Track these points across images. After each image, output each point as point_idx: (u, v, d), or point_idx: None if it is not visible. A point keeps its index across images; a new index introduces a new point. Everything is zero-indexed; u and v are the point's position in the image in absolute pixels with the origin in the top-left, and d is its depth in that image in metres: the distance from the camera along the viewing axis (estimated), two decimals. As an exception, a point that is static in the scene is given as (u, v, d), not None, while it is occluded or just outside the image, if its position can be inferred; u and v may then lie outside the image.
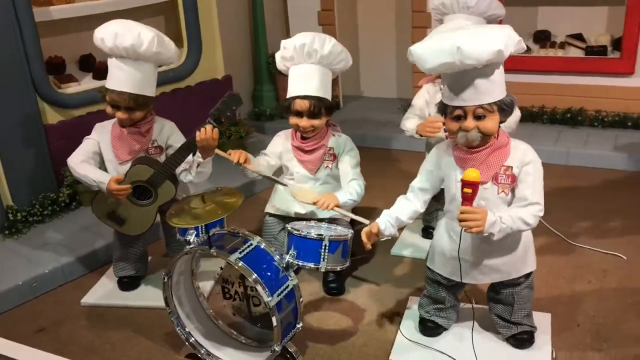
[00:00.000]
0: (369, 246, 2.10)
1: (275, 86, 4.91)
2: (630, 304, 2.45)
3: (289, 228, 2.15)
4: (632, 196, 3.36)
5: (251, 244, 2.11)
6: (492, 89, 1.86)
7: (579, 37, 4.24)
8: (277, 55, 2.57)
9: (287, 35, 5.07)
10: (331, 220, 2.55)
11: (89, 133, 2.58)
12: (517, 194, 1.95)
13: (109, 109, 2.46)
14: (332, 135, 2.65)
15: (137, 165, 2.45)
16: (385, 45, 5.07)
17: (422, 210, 2.17)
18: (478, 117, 1.88)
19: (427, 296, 2.29)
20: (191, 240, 2.17)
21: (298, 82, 2.50)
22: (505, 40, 1.77)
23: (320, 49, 2.45)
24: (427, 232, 2.99)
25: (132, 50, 2.33)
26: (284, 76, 2.63)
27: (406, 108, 4.73)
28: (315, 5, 4.84)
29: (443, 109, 1.96)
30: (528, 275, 2.13)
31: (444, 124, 2.58)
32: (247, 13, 4.81)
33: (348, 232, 2.18)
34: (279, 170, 2.74)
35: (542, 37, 4.32)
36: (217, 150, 2.43)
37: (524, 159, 1.95)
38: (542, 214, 1.93)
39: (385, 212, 2.15)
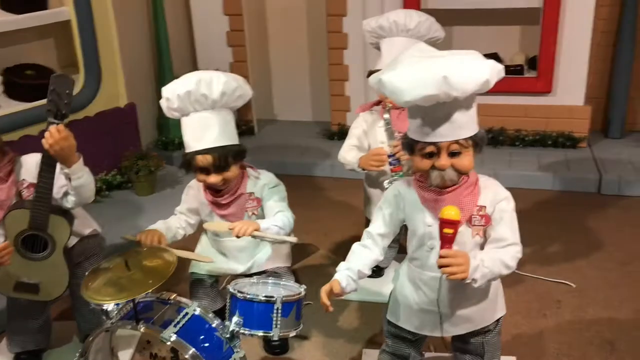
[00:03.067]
0: (331, 308, 1.81)
1: (182, 113, 4.53)
2: (590, 337, 2.34)
3: (231, 290, 1.82)
4: (564, 217, 3.33)
5: (187, 313, 1.77)
6: (468, 122, 1.66)
7: (495, 56, 4.21)
8: (162, 105, 2.16)
9: (195, 59, 4.72)
10: (269, 273, 2.27)
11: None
12: (493, 235, 1.76)
13: None
14: (250, 178, 2.29)
15: (9, 213, 2.02)
16: (299, 66, 4.84)
17: (381, 257, 1.93)
18: (453, 154, 1.67)
19: (388, 352, 2.04)
20: (109, 310, 1.80)
21: (193, 135, 2.12)
22: (491, 69, 1.58)
23: (209, 92, 2.06)
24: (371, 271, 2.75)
25: None
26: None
27: (326, 133, 4.61)
28: (224, 25, 4.53)
29: (410, 145, 1.73)
30: (498, 321, 1.94)
31: (389, 156, 2.41)
32: (149, 35, 4.40)
33: (301, 289, 1.88)
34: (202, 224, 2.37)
35: (458, 57, 4.26)
36: (125, 236, 2.08)
37: (497, 196, 1.76)
38: (521, 255, 1.75)
39: (343, 265, 1.88)
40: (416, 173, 1.79)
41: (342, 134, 4.42)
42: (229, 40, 4.57)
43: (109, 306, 1.80)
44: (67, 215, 2.08)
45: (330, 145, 4.36)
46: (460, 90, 1.54)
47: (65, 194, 2.06)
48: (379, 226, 1.90)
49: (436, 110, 1.61)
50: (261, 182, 2.28)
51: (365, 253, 1.89)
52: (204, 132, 2.11)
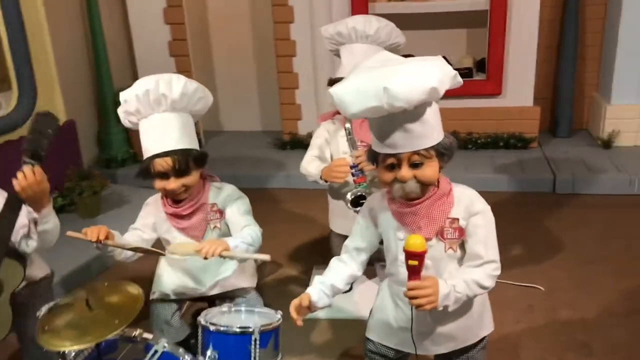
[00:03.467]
0: (300, 322, 1.70)
1: (124, 127, 4.31)
2: (566, 341, 2.33)
3: (203, 322, 1.68)
4: (522, 219, 3.34)
5: (156, 351, 1.61)
6: (427, 131, 1.57)
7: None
8: (120, 111, 2.05)
9: (135, 70, 4.51)
10: (232, 295, 2.14)
11: None
12: (468, 250, 1.68)
13: None
14: (212, 188, 2.14)
15: None
16: (245, 74, 4.72)
17: (359, 273, 1.83)
18: (414, 165, 1.59)
19: (368, 372, 1.95)
20: (66, 352, 1.63)
21: (153, 138, 1.99)
22: (439, 76, 1.50)
23: (169, 92, 1.96)
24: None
25: None
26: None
27: (277, 142, 4.48)
28: (165, 35, 4.34)
29: (373, 157, 1.65)
30: (483, 338, 1.88)
31: (351, 167, 2.33)
32: (86, 47, 4.16)
33: (277, 315, 1.76)
34: (158, 245, 2.20)
35: (407, 62, 4.25)
36: (69, 233, 1.89)
37: (472, 208, 1.69)
38: (498, 272, 1.68)
39: (317, 279, 1.77)
40: (384, 185, 1.71)
41: (294, 143, 4.32)
42: (172, 50, 4.39)
43: (67, 348, 1.62)
44: (21, 259, 1.89)
45: (283, 155, 4.25)
46: (404, 101, 1.46)
47: (26, 236, 1.88)
48: (355, 240, 1.81)
49: (391, 121, 1.53)
50: (224, 194, 2.15)
51: (340, 267, 1.80)
52: (164, 134, 1.97)
